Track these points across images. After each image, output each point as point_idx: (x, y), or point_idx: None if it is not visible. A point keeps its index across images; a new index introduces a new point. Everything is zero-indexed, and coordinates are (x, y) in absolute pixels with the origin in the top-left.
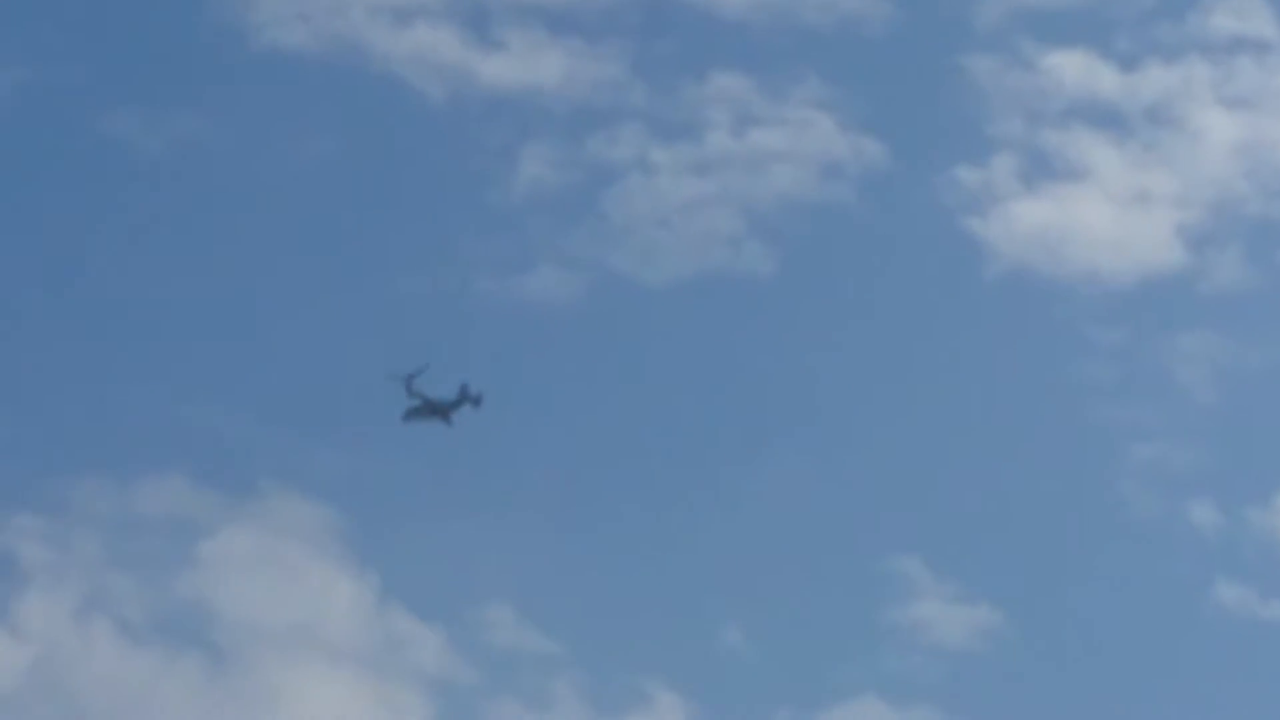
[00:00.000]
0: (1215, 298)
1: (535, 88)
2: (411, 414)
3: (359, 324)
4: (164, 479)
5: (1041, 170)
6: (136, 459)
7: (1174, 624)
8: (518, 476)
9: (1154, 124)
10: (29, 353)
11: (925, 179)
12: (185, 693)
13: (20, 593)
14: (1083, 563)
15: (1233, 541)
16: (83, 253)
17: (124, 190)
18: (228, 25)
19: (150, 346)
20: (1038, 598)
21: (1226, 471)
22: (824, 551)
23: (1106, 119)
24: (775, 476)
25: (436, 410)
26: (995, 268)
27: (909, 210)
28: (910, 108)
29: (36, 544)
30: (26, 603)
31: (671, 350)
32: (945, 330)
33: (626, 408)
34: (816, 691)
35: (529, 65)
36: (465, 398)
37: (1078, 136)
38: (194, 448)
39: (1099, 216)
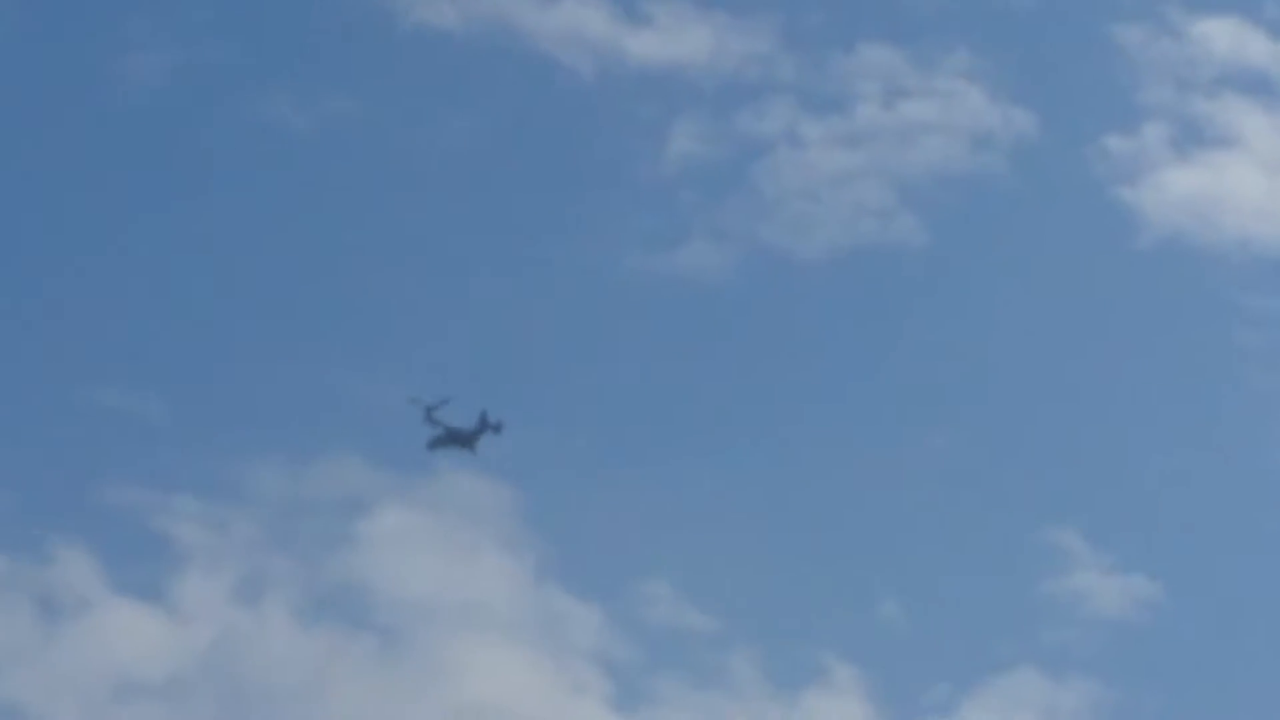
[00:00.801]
0: None
1: (684, 63)
2: (435, 443)
3: (516, 300)
4: (337, 459)
5: (1192, 138)
6: (310, 439)
7: None
8: (674, 453)
9: None
10: (195, 337)
11: (1076, 148)
12: (353, 671)
13: (179, 574)
14: (1241, 531)
15: None
16: (239, 234)
17: (277, 171)
18: (377, 6)
19: (321, 327)
20: (1195, 567)
21: None
22: (980, 524)
23: (1256, 86)
24: (931, 450)
25: (459, 439)
26: (1147, 236)
27: (1060, 180)
28: (1060, 77)
29: (195, 526)
30: (185, 584)
31: (824, 323)
32: (1098, 300)
33: (779, 382)
34: (974, 664)
35: (677, 40)
36: (485, 426)
37: (1228, 104)
38: (368, 427)
39: (1250, 184)
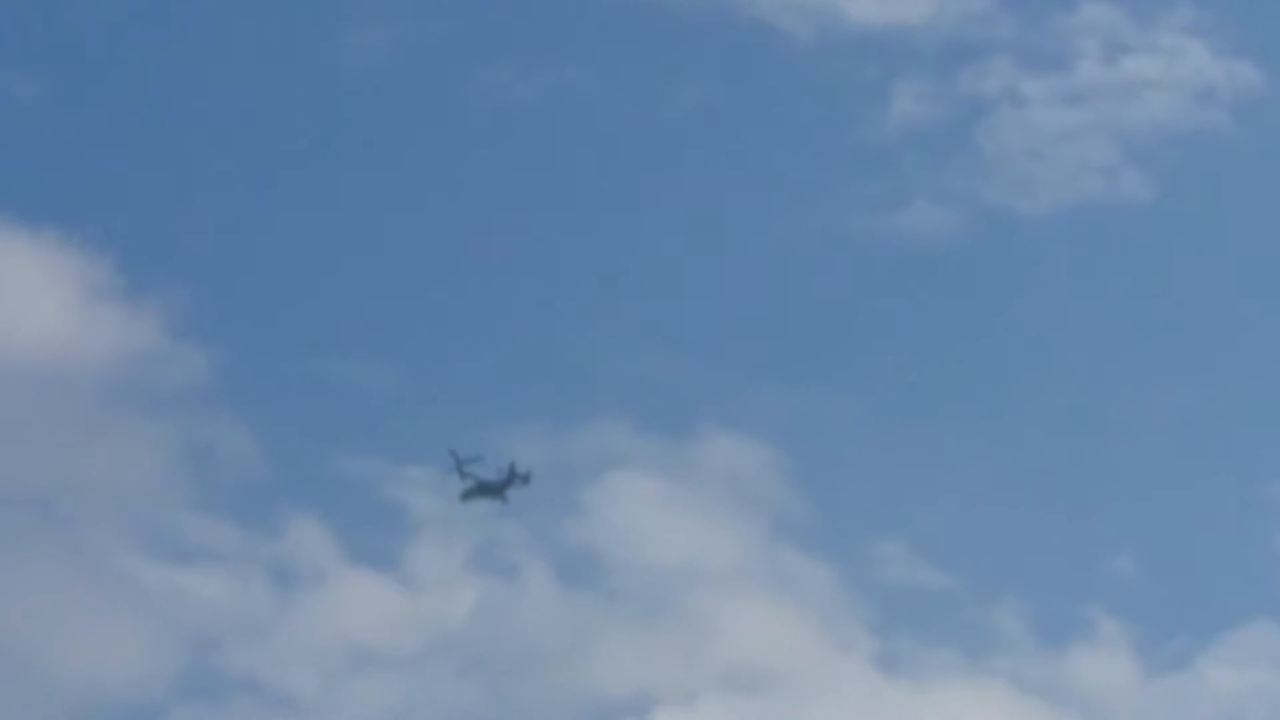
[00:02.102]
0: None
1: (904, 25)
2: (468, 494)
3: (746, 267)
4: (604, 423)
5: None
6: (577, 404)
7: None
8: (905, 413)
9: None
10: (427, 307)
11: None
12: (611, 637)
13: (413, 544)
14: None
15: None
16: (467, 204)
17: (500, 140)
18: None
19: (572, 293)
20: None
21: None
22: (1212, 476)
23: None
24: (1162, 403)
25: (489, 490)
26: None
27: None
28: None
29: (428, 495)
30: (419, 554)
31: (1050, 281)
32: None
33: (1007, 341)
34: (1208, 618)
35: (897, 3)
36: (514, 476)
37: None
38: (634, 391)
39: None
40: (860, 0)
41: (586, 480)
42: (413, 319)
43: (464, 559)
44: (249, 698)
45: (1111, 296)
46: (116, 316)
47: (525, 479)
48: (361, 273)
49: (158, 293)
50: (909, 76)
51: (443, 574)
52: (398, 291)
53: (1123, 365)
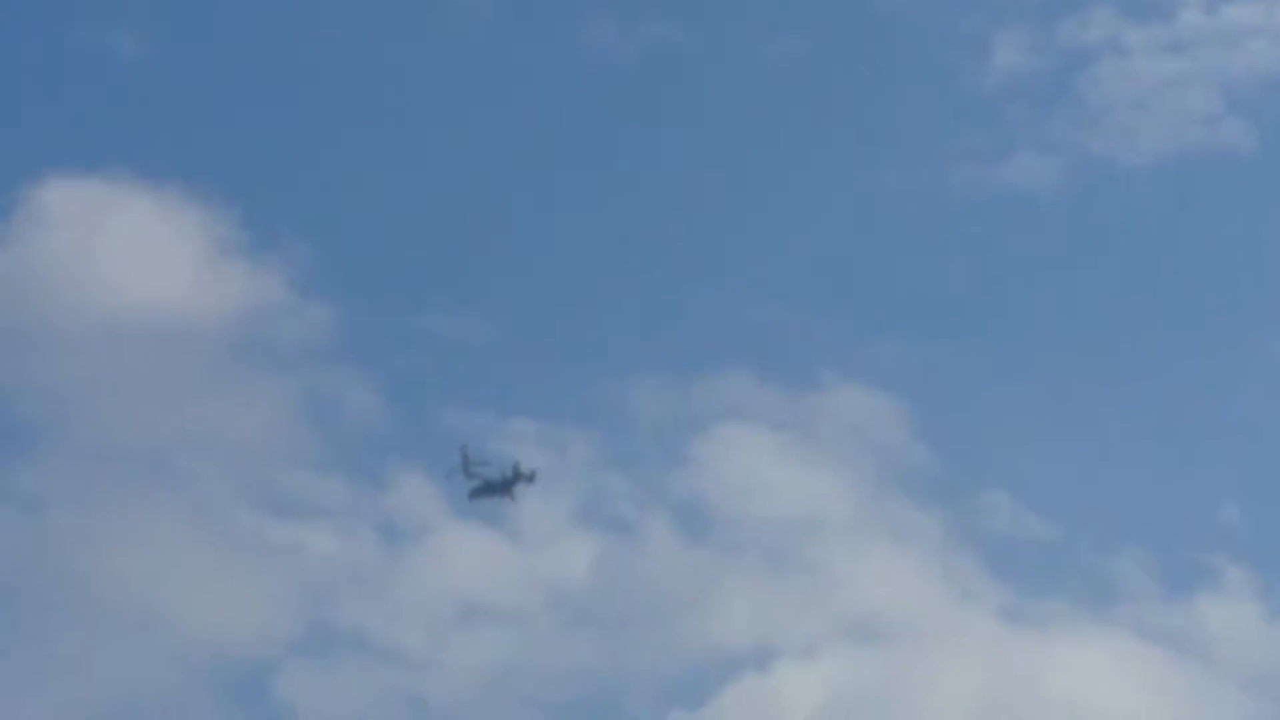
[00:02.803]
0: None
1: None
2: (475, 493)
3: (851, 220)
4: (727, 377)
5: None
6: (699, 358)
7: None
8: (1021, 364)
9: None
10: (533, 260)
11: None
12: (722, 587)
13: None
14: None
15: None
16: (573, 157)
17: (606, 96)
18: None
19: (687, 247)
20: None
21: None
22: None
23: None
24: (1268, 355)
25: (496, 489)
26: None
27: None
28: None
29: (534, 448)
30: (525, 507)
31: (1154, 230)
32: None
33: (1114, 291)
34: None
35: None
36: (519, 475)
37: None
38: (754, 343)
39: None
40: None
41: (702, 432)
42: (530, 275)
43: (571, 513)
44: (359, 652)
45: (1215, 244)
46: (240, 272)
47: (530, 478)
48: (477, 228)
49: (281, 249)
50: (1010, 27)
51: (550, 528)
52: (513, 246)
53: (1229, 312)
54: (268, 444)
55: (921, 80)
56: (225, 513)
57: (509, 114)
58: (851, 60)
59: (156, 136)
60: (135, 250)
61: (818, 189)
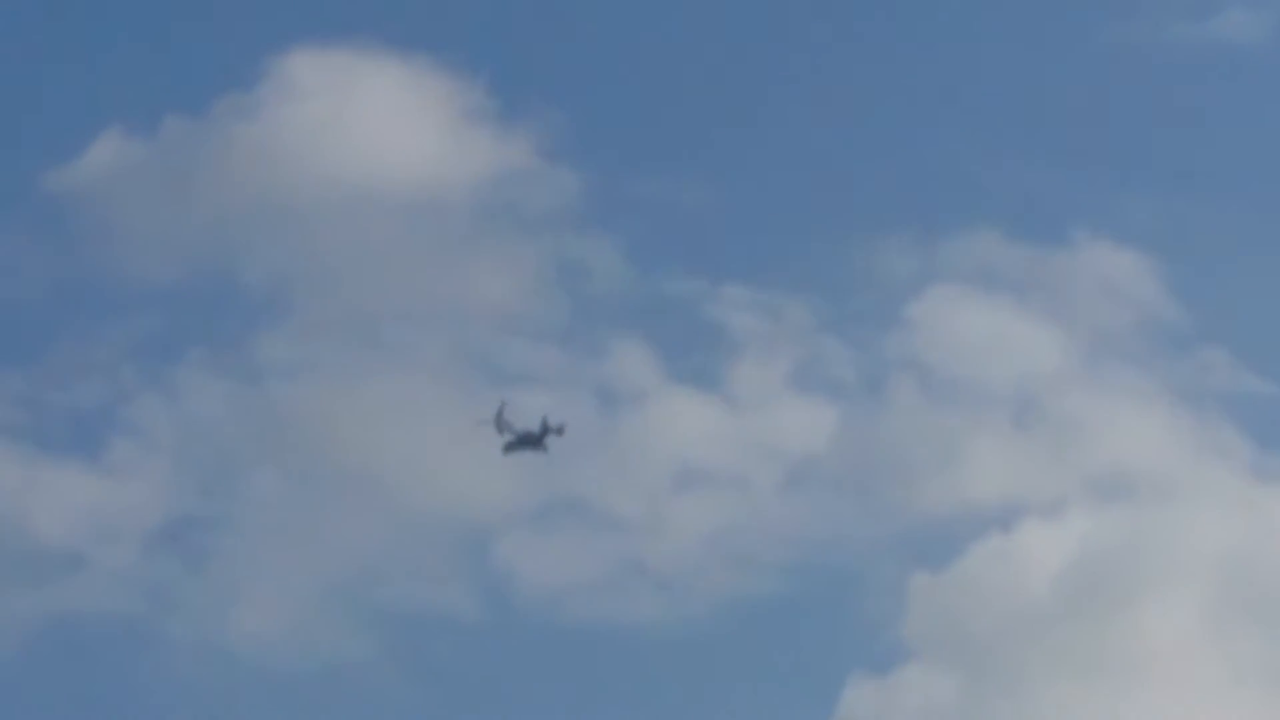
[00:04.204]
0: None
1: None
2: (509, 447)
3: (1061, 75)
4: (971, 235)
5: None
6: (943, 215)
7: None
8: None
9: None
10: (744, 123)
11: None
12: (962, 447)
13: (734, 362)
14: None
15: None
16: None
17: None
18: None
19: (929, 104)
20: None
21: None
22: None
23: None
24: None
25: (528, 441)
26: None
27: None
28: None
29: (748, 314)
30: (740, 372)
31: None
32: None
33: None
34: None
35: None
36: (548, 429)
37: None
38: (1001, 200)
39: None
40: None
41: (932, 292)
42: (768, 135)
43: (789, 377)
44: (578, 518)
45: None
46: (487, 139)
47: (559, 430)
48: (722, 92)
49: (529, 115)
50: None
51: (768, 392)
52: (752, 109)
53: None
54: (505, 311)
55: None
56: (455, 380)
57: None
58: None
59: (405, 5)
60: (382, 120)
61: (1022, 43)
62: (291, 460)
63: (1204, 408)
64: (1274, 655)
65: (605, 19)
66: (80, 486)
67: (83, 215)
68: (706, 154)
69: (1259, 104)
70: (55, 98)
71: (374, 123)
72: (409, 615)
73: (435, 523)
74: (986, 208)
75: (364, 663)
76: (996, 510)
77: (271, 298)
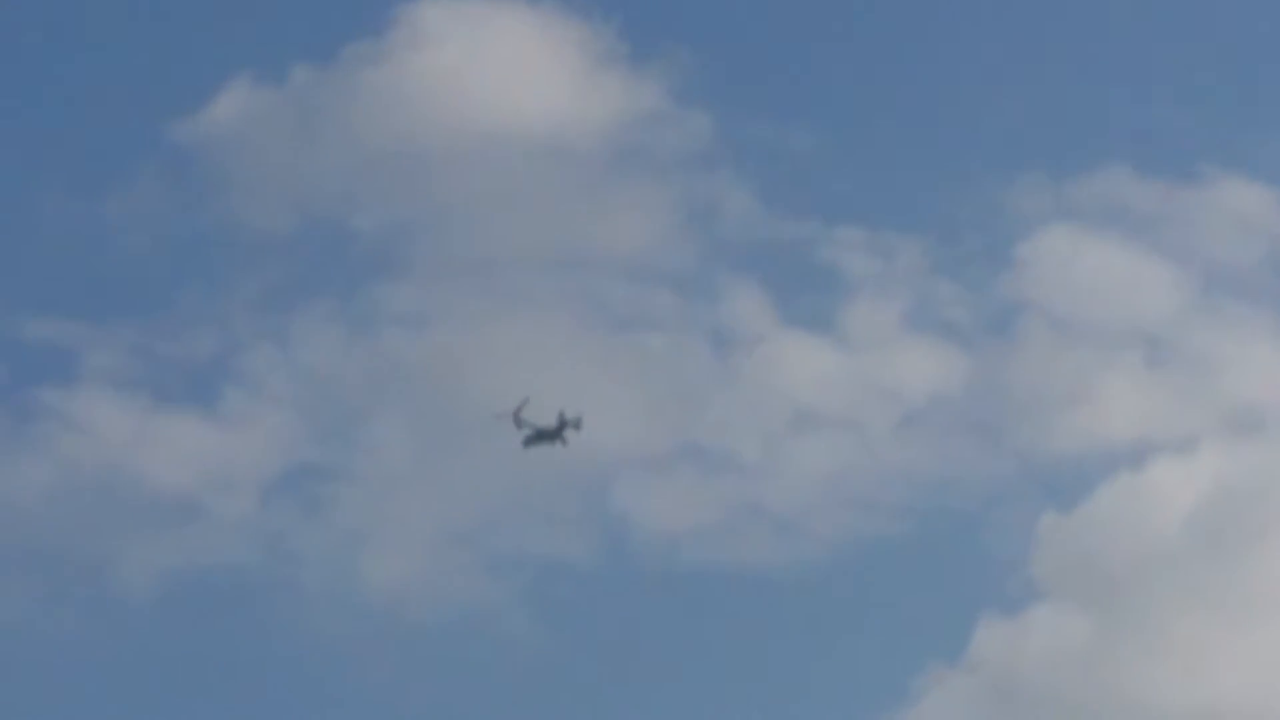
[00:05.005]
0: None
1: None
2: (528, 441)
3: (1198, 7)
4: (1104, 172)
5: None
6: (1074, 153)
7: None
8: None
9: None
10: (850, 66)
11: None
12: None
13: (848, 304)
14: None
15: None
16: None
17: None
18: None
19: (1070, 37)
20: None
21: None
22: None
23: None
24: None
25: (546, 436)
26: None
27: None
28: None
29: (861, 256)
30: (854, 314)
31: None
32: None
33: None
34: None
35: None
36: (565, 423)
37: None
38: (1133, 138)
39: None
40: None
41: (1056, 230)
42: (886, 76)
43: (898, 317)
44: (694, 462)
45: None
46: (619, 83)
47: (576, 424)
48: (843, 32)
49: (660, 58)
50: None
51: (881, 334)
52: (872, 49)
53: None
54: (633, 255)
55: None
56: (576, 325)
57: None
58: None
59: None
60: (512, 66)
61: None
62: (412, 408)
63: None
64: None
65: None
66: (197, 437)
67: (209, 165)
68: (822, 96)
69: None
70: (183, 47)
71: (504, 69)
72: (529, 561)
73: (554, 469)
74: (1115, 145)
75: (489, 610)
76: (1127, 449)
77: (397, 245)
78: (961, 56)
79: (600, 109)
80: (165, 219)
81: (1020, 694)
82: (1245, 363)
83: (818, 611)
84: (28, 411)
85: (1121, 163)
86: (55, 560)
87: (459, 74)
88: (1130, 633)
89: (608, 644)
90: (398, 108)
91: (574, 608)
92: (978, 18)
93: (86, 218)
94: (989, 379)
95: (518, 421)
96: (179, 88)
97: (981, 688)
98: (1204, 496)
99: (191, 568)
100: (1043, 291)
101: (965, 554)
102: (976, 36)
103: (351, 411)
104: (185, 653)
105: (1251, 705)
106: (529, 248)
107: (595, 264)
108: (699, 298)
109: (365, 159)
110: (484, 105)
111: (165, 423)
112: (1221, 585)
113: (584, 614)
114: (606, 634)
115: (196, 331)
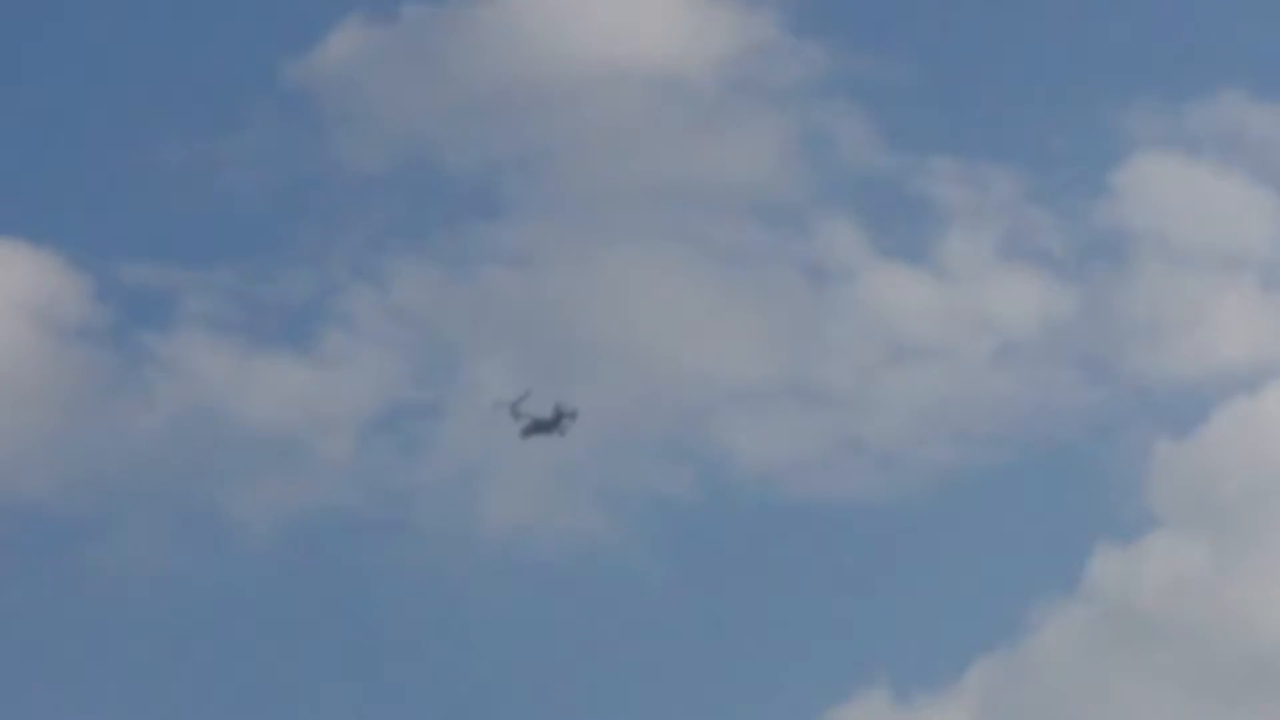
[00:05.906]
0: None
1: None
2: (526, 431)
3: None
4: (1220, 97)
5: None
6: (1188, 79)
7: None
8: None
9: None
10: None
11: None
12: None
13: (941, 236)
14: None
15: None
16: None
17: None
18: None
19: None
20: None
21: None
22: None
23: None
24: None
25: (544, 427)
26: None
27: None
28: None
29: (954, 186)
30: (948, 245)
31: None
32: None
33: None
34: None
35: None
36: (562, 414)
37: None
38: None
39: None
40: None
41: (1151, 157)
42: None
43: (992, 248)
44: (792, 396)
45: None
46: (732, 14)
47: (573, 415)
48: None
49: None
50: None
51: (976, 265)
52: None
53: None
54: (743, 187)
55: None
56: (675, 258)
57: None
58: None
59: None
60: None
61: None
62: (514, 347)
63: None
64: None
65: None
66: (296, 379)
67: (321, 106)
68: (933, 26)
69: None
70: None
71: (617, 3)
72: (630, 497)
73: (653, 404)
74: (1231, 70)
75: (606, 545)
76: (1242, 373)
77: (505, 183)
78: None
79: (714, 40)
80: (274, 161)
81: (1138, 622)
82: None
83: (924, 545)
84: (129, 355)
85: (1235, 88)
86: (171, 502)
87: (571, 9)
88: (1248, 559)
89: (706, 578)
90: (509, 45)
91: (673, 543)
92: None
93: (200, 160)
94: (1090, 306)
95: (516, 413)
96: (293, 27)
97: (1099, 617)
98: None
99: (301, 508)
100: (1147, 218)
101: (1075, 484)
102: None
103: (453, 351)
104: (308, 592)
105: None
106: (636, 183)
107: (700, 198)
108: (798, 230)
109: (475, 97)
110: (597, 40)
111: (264, 365)
112: None
113: (683, 549)
114: (705, 569)
115: (295, 273)
